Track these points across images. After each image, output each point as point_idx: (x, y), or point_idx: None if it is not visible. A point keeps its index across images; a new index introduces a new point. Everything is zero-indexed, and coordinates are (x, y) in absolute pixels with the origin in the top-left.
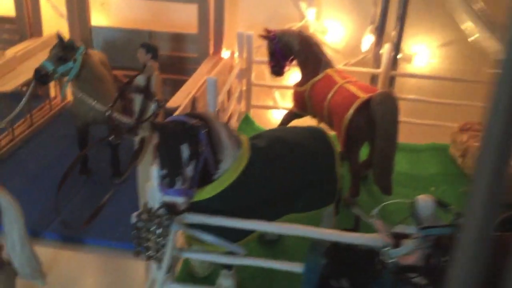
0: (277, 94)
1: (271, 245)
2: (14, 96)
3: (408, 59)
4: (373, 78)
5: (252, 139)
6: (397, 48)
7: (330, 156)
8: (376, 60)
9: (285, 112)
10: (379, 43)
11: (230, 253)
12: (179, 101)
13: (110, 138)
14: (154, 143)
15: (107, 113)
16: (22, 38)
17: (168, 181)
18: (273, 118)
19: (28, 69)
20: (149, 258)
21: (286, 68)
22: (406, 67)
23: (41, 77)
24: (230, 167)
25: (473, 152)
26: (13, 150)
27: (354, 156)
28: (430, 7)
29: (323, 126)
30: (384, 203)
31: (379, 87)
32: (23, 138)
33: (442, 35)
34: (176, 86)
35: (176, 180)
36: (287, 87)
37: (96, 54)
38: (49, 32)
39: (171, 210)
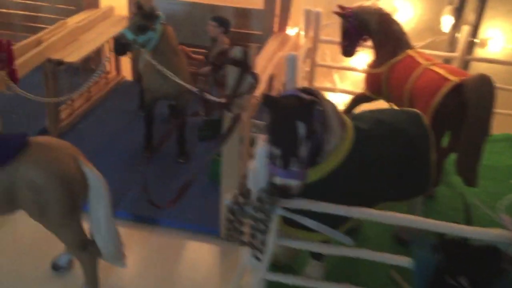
0: (335, 76)
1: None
2: (71, 68)
3: (482, 44)
4: (446, 63)
5: (353, 120)
6: (475, 31)
7: (426, 142)
8: (452, 43)
9: (345, 95)
10: (456, 25)
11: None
12: None
13: (201, 115)
14: (267, 119)
15: (197, 89)
16: (78, 9)
17: (282, 162)
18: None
19: (90, 41)
20: (242, 244)
21: (358, 48)
22: (479, 52)
23: (121, 46)
24: (336, 149)
25: None
26: (73, 124)
27: (437, 143)
28: None
29: None
30: None
31: None
32: (81, 112)
33: None
34: None
35: (291, 161)
36: (351, 69)
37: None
38: (105, 4)
39: (283, 193)
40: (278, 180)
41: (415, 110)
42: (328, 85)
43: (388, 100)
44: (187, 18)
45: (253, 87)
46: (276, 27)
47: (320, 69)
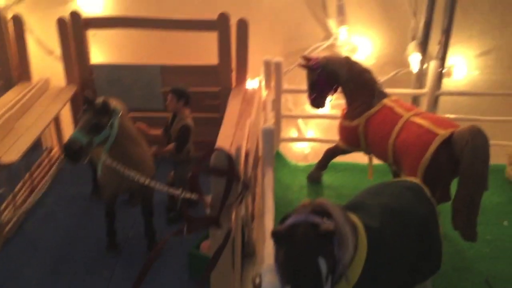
0: (300, 121)
1: None
2: None
3: (448, 73)
4: (415, 99)
5: (356, 212)
6: (442, 63)
7: (434, 217)
8: (419, 78)
9: (313, 144)
10: (422, 60)
11: None
12: None
13: (183, 232)
14: (278, 256)
15: (181, 197)
16: (7, 84)
17: None
18: (295, 148)
19: (28, 129)
20: None
21: (329, 98)
22: (444, 81)
23: (75, 154)
24: (352, 263)
25: None
26: (18, 225)
27: None
28: (467, 14)
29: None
30: None
31: (425, 109)
32: (26, 208)
33: (480, 44)
34: (197, 126)
35: None
36: (321, 117)
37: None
38: (38, 75)
39: None
40: None
41: (415, 182)
42: (293, 132)
43: (367, 152)
44: (134, 82)
45: (243, 195)
46: (234, 82)
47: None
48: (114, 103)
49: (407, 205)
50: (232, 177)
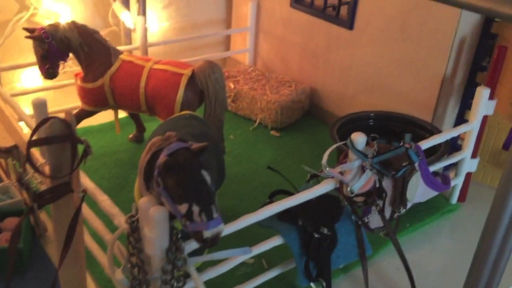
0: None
1: None
2: None
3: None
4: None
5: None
6: (145, 19)
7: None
8: (127, 35)
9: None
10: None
11: None
12: None
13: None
14: (169, 184)
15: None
16: None
17: (206, 214)
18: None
19: None
20: None
21: (61, 67)
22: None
23: None
24: None
25: (244, 94)
26: None
27: None
28: None
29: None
30: (330, 150)
31: None
32: None
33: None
34: None
35: (212, 210)
36: (51, 88)
37: None
38: None
39: (215, 242)
40: (209, 233)
41: (189, 113)
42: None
43: (115, 109)
44: None
45: (88, 154)
46: None
47: None
48: None
49: (204, 130)
50: (74, 140)
